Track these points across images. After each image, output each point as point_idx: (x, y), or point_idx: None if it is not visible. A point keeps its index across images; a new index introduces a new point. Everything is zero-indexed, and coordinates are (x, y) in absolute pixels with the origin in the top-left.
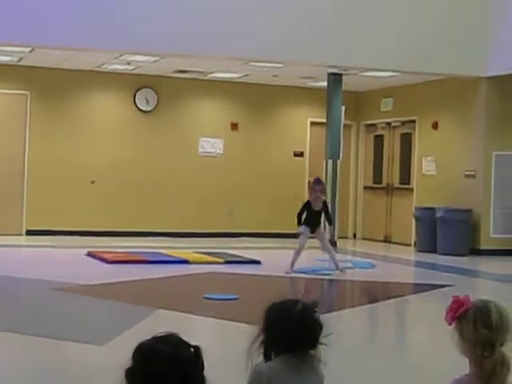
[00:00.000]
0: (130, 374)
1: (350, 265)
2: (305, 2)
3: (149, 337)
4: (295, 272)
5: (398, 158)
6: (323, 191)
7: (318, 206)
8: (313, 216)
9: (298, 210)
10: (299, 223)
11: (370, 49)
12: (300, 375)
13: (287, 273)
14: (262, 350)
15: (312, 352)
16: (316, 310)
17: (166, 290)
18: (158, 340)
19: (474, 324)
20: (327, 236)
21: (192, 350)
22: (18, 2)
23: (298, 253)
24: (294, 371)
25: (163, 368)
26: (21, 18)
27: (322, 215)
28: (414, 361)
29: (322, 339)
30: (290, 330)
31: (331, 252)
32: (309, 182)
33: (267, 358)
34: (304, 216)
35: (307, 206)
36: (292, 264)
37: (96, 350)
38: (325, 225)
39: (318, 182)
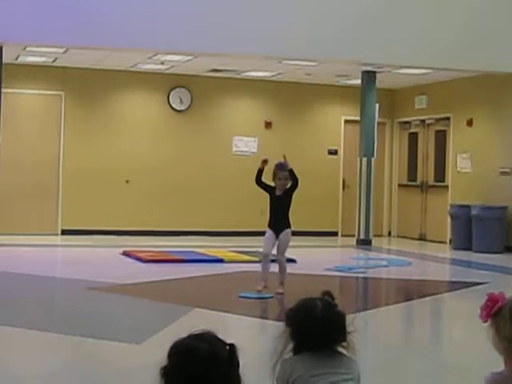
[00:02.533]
0: (166, 372)
1: (384, 263)
2: (337, 0)
3: (184, 335)
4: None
5: (432, 155)
6: (287, 178)
7: (280, 191)
8: (275, 205)
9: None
10: (258, 177)
11: (404, 46)
12: (328, 368)
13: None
14: (293, 351)
15: (344, 344)
16: (335, 302)
17: (201, 289)
18: (194, 338)
19: (511, 320)
20: (286, 244)
21: (227, 347)
22: (50, 4)
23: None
24: (321, 365)
25: (200, 365)
26: (54, 19)
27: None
28: (450, 359)
29: (349, 328)
30: (318, 332)
31: (283, 267)
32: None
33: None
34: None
35: (271, 188)
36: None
37: (132, 349)
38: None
39: (280, 166)
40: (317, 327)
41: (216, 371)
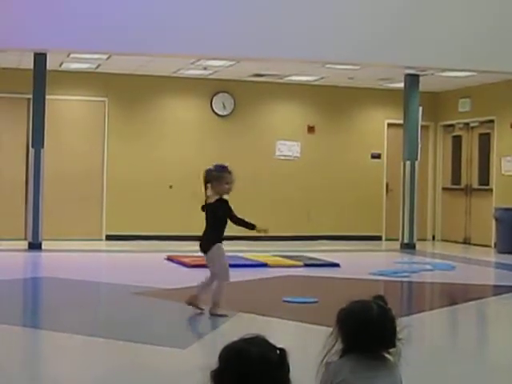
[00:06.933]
0: (217, 375)
1: (428, 267)
2: (381, 3)
3: (236, 339)
4: (375, 274)
5: (476, 158)
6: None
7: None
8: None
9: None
10: (251, 226)
11: (447, 49)
12: (373, 372)
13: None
14: (340, 354)
15: (392, 350)
16: (389, 307)
17: (245, 294)
18: (245, 341)
19: None
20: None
21: (278, 352)
22: (93, 12)
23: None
24: (366, 368)
25: (252, 369)
26: (97, 26)
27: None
28: (497, 362)
29: (399, 335)
30: (373, 334)
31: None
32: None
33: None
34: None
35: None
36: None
37: (178, 354)
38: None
39: (225, 168)
40: (372, 330)
41: (266, 375)
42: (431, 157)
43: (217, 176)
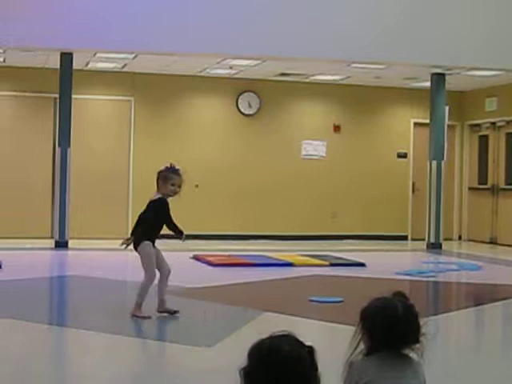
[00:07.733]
0: (247, 372)
1: (454, 267)
2: (407, 2)
3: (263, 336)
4: (395, 274)
5: (503, 158)
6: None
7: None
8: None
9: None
10: (180, 232)
11: (474, 47)
12: (399, 373)
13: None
14: (365, 352)
15: (416, 346)
16: (412, 304)
17: (271, 293)
18: (276, 339)
19: None
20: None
21: (306, 349)
22: (120, 11)
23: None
24: (392, 368)
25: (282, 365)
26: (124, 25)
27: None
28: None
29: (422, 330)
30: (399, 332)
31: (163, 287)
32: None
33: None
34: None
35: (165, 204)
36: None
37: (205, 352)
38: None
39: (176, 170)
40: (397, 327)
41: (298, 372)
42: (457, 156)
43: (163, 176)
